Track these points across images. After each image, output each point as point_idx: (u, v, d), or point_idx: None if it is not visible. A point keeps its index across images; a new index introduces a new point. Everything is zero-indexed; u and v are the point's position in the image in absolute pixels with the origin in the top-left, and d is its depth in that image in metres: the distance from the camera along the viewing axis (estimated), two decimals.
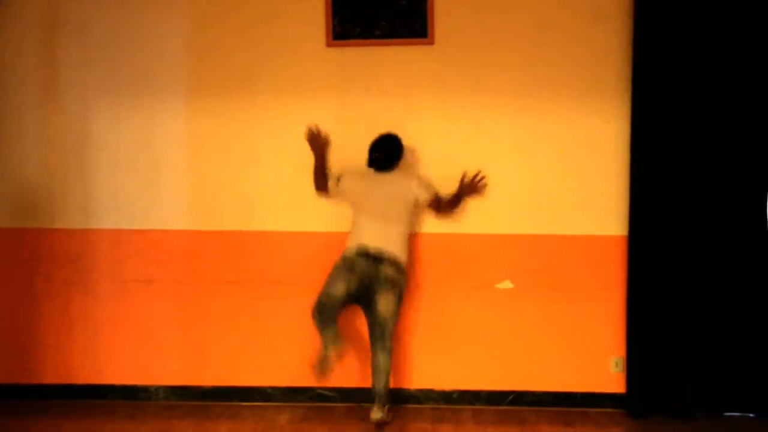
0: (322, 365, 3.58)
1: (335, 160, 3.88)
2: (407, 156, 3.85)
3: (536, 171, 3.90)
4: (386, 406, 3.70)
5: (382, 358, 3.68)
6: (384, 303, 3.62)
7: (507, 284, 3.94)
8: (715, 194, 3.72)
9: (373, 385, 3.71)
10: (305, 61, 3.92)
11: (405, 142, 3.81)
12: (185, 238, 4.04)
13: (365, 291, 3.63)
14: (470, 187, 3.72)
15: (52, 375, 4.09)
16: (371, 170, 3.76)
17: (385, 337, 3.67)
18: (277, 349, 4.02)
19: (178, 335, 4.06)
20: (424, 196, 3.71)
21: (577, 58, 3.84)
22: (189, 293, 4.04)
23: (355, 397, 3.97)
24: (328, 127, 3.82)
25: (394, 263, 3.62)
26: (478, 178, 3.71)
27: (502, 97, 3.88)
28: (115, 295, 4.05)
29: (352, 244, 3.66)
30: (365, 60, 3.91)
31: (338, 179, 3.77)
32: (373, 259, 3.59)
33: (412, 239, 3.88)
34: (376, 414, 3.64)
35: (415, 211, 3.78)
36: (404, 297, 3.76)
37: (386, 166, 3.73)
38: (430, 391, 4.00)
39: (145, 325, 4.06)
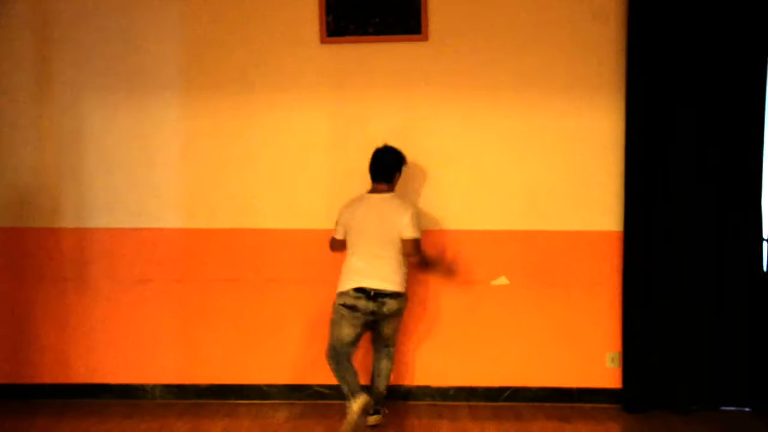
0: (354, 427, 3.42)
1: (329, 156, 3.89)
2: (407, 172, 3.77)
3: (531, 167, 3.90)
4: (383, 408, 3.73)
5: (385, 363, 3.73)
6: (390, 327, 3.66)
7: (503, 280, 3.94)
8: (709, 189, 3.72)
9: (375, 386, 3.72)
10: (299, 58, 3.91)
11: (400, 139, 3.76)
12: (181, 237, 4.02)
13: (371, 323, 3.60)
14: (444, 267, 3.86)
15: (47, 374, 4.08)
16: (365, 194, 3.63)
17: (389, 345, 3.73)
18: (274, 346, 4.01)
19: (174, 334, 4.06)
20: (405, 236, 3.52)
21: (571, 54, 3.84)
22: (185, 291, 4.03)
23: None
24: (322, 123, 3.86)
25: (396, 296, 3.54)
26: (454, 265, 3.89)
27: (497, 93, 3.88)
28: (110, 293, 4.05)
29: (346, 286, 3.53)
30: (359, 56, 3.90)
31: (337, 223, 3.66)
32: (374, 298, 3.50)
33: None
34: (375, 419, 3.63)
35: None
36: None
37: (381, 178, 3.61)
38: (427, 387, 4.01)
39: (141, 324, 4.06)
